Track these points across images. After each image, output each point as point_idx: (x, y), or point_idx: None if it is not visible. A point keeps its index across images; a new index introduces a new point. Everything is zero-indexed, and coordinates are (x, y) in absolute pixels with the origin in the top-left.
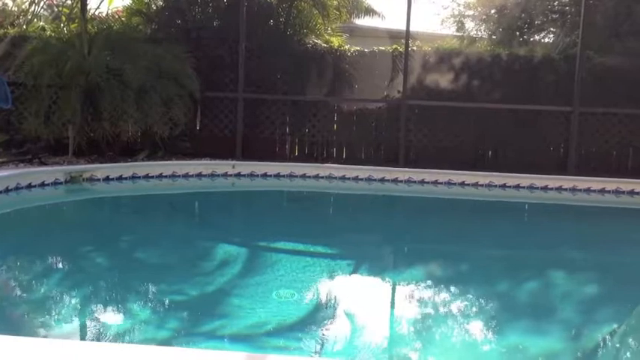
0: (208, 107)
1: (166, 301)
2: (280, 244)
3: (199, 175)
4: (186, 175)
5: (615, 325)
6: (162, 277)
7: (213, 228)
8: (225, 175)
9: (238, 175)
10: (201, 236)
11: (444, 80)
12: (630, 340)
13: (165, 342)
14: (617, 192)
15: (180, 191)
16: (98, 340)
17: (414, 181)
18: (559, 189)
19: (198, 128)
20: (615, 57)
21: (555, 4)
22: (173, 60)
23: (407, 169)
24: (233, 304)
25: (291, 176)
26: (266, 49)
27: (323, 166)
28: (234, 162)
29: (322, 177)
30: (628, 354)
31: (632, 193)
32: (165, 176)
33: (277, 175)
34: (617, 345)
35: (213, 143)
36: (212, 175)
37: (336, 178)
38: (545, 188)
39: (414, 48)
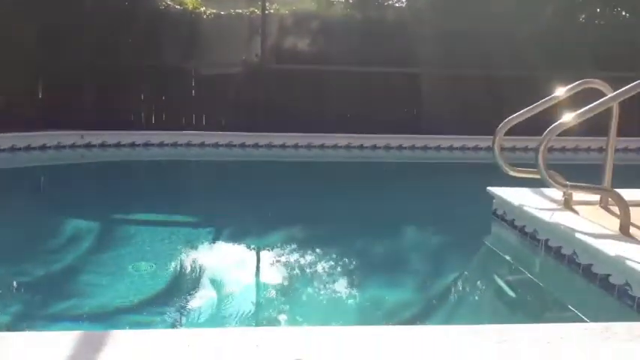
0: (52, 73)
1: (9, 284)
2: (136, 216)
3: (43, 148)
4: (27, 148)
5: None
6: (2, 258)
7: (60, 204)
8: (73, 146)
9: (88, 145)
10: (48, 213)
11: (302, 44)
12: (469, 287)
13: (8, 327)
14: (463, 149)
15: (21, 165)
16: None
17: (275, 146)
18: (412, 147)
19: (40, 96)
20: (460, 20)
21: None
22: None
23: (268, 133)
24: (87, 281)
25: (147, 145)
26: (114, 10)
27: (181, 133)
28: (82, 132)
29: (181, 145)
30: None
31: (476, 149)
32: (3, 150)
33: (132, 145)
34: (460, 291)
35: (58, 112)
36: (58, 147)
37: (195, 145)
38: (399, 148)
39: (272, 11)
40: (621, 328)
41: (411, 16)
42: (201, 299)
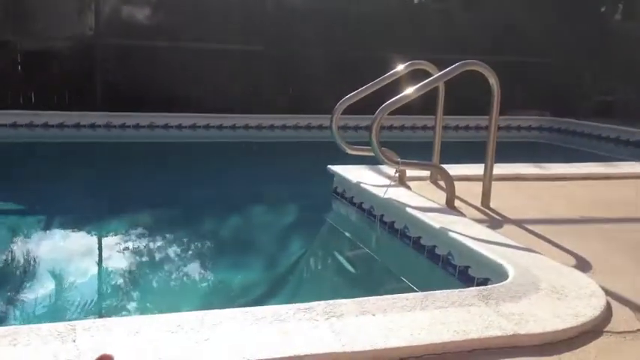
0: None
1: None
2: None
3: None
4: None
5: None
6: None
7: None
8: None
9: None
10: None
11: (140, 17)
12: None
13: None
14: (309, 127)
15: None
16: None
17: (114, 126)
18: (246, 127)
19: None
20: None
21: None
22: None
23: (105, 112)
24: None
25: None
26: None
27: (5, 112)
28: None
29: (4, 125)
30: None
31: (320, 127)
32: None
33: None
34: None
35: None
36: None
37: (22, 125)
38: (234, 127)
39: None
40: (439, 295)
41: None
42: (37, 291)
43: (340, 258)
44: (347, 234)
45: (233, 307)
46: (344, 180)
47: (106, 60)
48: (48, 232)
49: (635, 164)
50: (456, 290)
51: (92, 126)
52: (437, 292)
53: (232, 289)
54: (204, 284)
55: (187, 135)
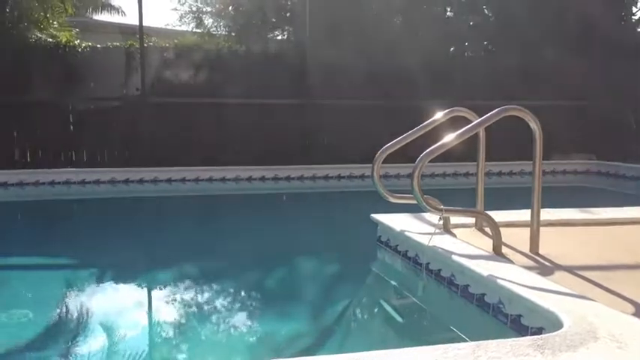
0: None
1: None
2: (10, 261)
3: None
4: None
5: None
6: None
7: None
8: None
9: None
10: None
11: (184, 76)
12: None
13: None
14: (350, 177)
15: None
16: None
17: (161, 180)
18: (301, 178)
19: None
20: (338, 52)
21: (287, 3)
22: None
23: (152, 168)
24: None
25: (21, 184)
26: None
27: (59, 170)
28: None
29: (59, 183)
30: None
31: (362, 177)
32: None
33: (4, 185)
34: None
35: None
36: None
37: (74, 182)
38: (288, 178)
39: (151, 44)
40: (492, 345)
41: (293, 48)
42: (83, 345)
43: (387, 307)
44: (393, 282)
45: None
46: (388, 228)
47: (151, 117)
48: (103, 283)
49: None
50: (509, 340)
51: (140, 181)
52: (489, 341)
53: (280, 341)
54: (252, 336)
55: (231, 187)
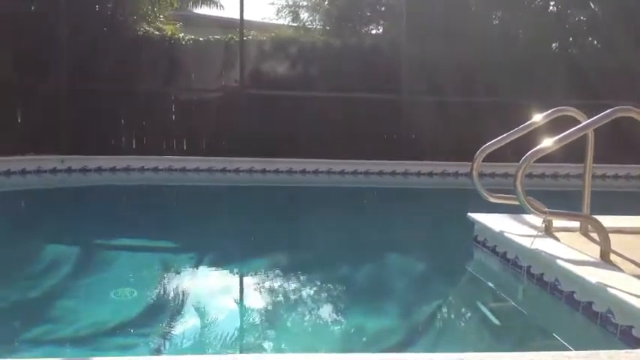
0: (30, 97)
1: None
2: (118, 241)
3: (23, 172)
4: (7, 173)
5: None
6: None
7: (39, 229)
8: (54, 170)
9: (69, 170)
10: (27, 238)
11: (281, 69)
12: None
13: None
14: (443, 174)
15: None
16: None
17: (256, 171)
18: (393, 173)
19: (19, 120)
20: (435, 47)
21: None
22: None
23: (248, 158)
24: (66, 306)
25: (127, 170)
26: (92, 36)
27: (162, 158)
28: (63, 157)
29: (161, 169)
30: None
31: (456, 174)
32: None
33: (113, 169)
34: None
35: (38, 137)
36: (38, 172)
37: (176, 170)
38: (380, 173)
39: (250, 37)
40: (604, 356)
41: (388, 42)
42: (183, 325)
43: (483, 309)
44: (489, 284)
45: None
46: (485, 228)
47: (248, 108)
48: (202, 267)
49: None
50: (622, 351)
51: (236, 170)
52: (600, 352)
53: (369, 336)
54: (340, 329)
55: (323, 180)
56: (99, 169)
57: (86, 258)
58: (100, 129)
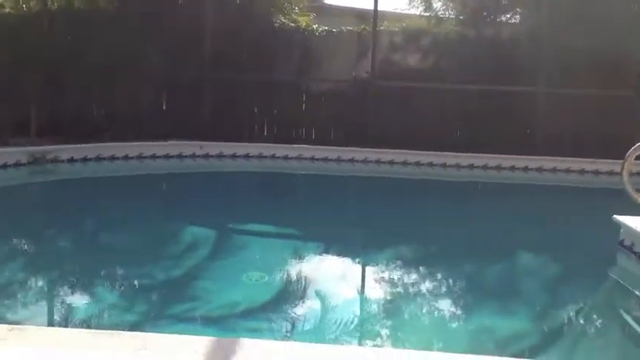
0: (174, 87)
1: (133, 285)
2: (251, 226)
3: (167, 157)
4: (153, 157)
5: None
6: (128, 261)
7: (180, 211)
8: (193, 155)
9: (206, 155)
10: (169, 219)
11: (412, 60)
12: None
13: (134, 327)
14: (581, 172)
15: (147, 172)
16: (66, 325)
17: (384, 162)
18: (525, 169)
19: (164, 108)
20: (578, 38)
21: None
22: (137, 39)
23: (376, 149)
24: (202, 286)
25: (260, 157)
26: (233, 28)
27: (292, 146)
28: (201, 143)
29: (291, 158)
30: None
31: (596, 172)
32: (132, 157)
33: (246, 156)
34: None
35: (179, 123)
36: (180, 156)
37: (305, 158)
38: (512, 168)
39: (382, 28)
40: None
41: (526, 33)
42: (308, 310)
43: (628, 318)
44: (636, 292)
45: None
46: (634, 232)
47: (378, 99)
48: (334, 255)
49: None
50: None
51: (364, 161)
52: None
53: (499, 339)
54: (470, 329)
55: (452, 174)
56: (233, 156)
57: (221, 240)
58: (235, 117)
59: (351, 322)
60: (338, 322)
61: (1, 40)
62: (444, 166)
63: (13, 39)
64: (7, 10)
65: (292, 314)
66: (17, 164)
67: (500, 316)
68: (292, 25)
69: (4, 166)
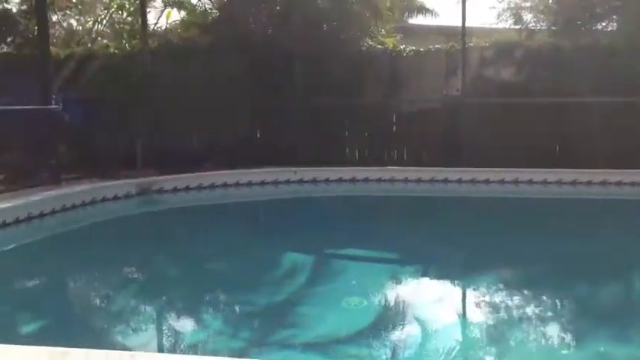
0: (268, 115)
1: (237, 311)
2: (347, 251)
3: (262, 183)
4: (249, 184)
5: None
6: (233, 287)
7: (279, 237)
8: (288, 181)
9: (301, 181)
10: (268, 245)
11: (503, 76)
12: None
13: (239, 352)
14: None
15: (244, 200)
16: (173, 350)
17: (479, 181)
18: (633, 184)
19: (259, 136)
20: None
21: None
22: (233, 70)
23: (470, 168)
24: (303, 312)
25: (353, 181)
26: (321, 54)
27: (385, 169)
28: (295, 168)
29: (384, 180)
30: None
31: None
32: (230, 185)
33: (339, 180)
34: None
35: (273, 151)
36: (275, 183)
37: (398, 180)
38: (619, 183)
39: (471, 44)
40: None
41: (624, 41)
42: (408, 336)
43: None
44: None
45: None
46: None
47: (470, 118)
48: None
49: None
50: None
51: (459, 181)
52: None
53: None
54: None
55: (563, 191)
56: (327, 180)
57: (318, 266)
58: (327, 141)
59: (453, 349)
60: (439, 349)
61: (109, 78)
62: (544, 183)
63: (120, 77)
64: (112, 49)
65: (392, 340)
66: (127, 195)
67: (611, 343)
68: (379, 47)
69: (116, 198)
